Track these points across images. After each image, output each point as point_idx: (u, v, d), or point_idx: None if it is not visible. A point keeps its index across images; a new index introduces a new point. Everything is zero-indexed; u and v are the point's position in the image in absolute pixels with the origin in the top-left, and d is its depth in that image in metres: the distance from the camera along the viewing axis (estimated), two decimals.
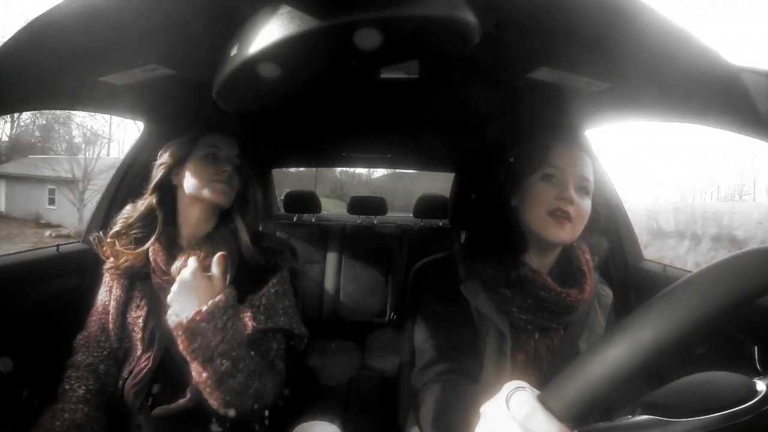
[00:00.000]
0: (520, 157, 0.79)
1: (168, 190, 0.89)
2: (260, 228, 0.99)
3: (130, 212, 0.90)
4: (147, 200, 0.89)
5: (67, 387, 0.82)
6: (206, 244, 0.85)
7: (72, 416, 0.77)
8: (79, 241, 1.29)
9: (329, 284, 2.05)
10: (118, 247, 0.87)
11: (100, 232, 0.90)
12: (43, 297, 1.04)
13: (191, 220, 0.88)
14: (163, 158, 0.89)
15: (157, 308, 0.85)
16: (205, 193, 0.85)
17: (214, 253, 0.80)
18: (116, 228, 0.89)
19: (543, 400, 0.35)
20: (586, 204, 0.74)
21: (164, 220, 0.88)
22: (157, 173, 0.88)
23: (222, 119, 0.93)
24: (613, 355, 0.33)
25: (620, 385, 0.32)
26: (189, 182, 0.87)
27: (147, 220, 0.89)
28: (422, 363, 0.75)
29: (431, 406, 0.67)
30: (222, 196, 0.86)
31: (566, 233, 0.72)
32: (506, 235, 0.76)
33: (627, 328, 0.33)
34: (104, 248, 0.88)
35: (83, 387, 0.82)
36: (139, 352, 0.84)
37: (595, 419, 0.37)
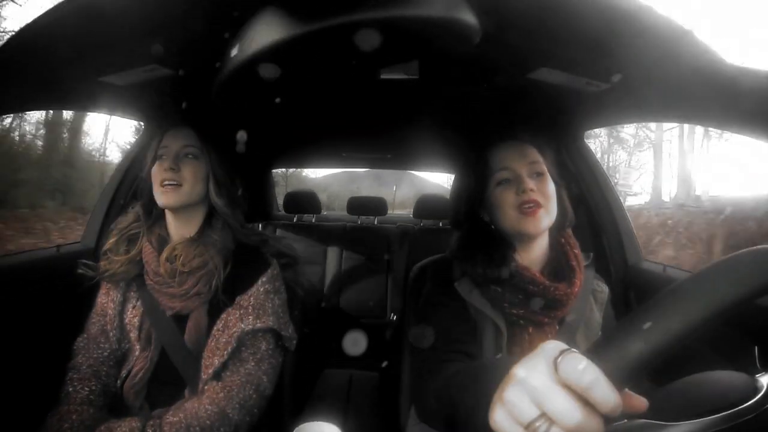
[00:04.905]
0: (474, 173, 0.81)
1: (151, 197, 0.89)
2: (260, 227, 0.99)
3: (122, 223, 0.90)
4: (137, 207, 0.90)
5: (71, 389, 0.81)
6: (193, 245, 0.84)
7: (80, 417, 0.77)
8: (79, 242, 1.29)
9: (329, 285, 2.05)
10: (111, 256, 0.87)
11: (85, 262, 0.89)
12: (43, 297, 1.03)
13: (173, 222, 0.88)
14: (145, 167, 0.88)
15: (152, 309, 0.85)
16: (159, 199, 0.84)
17: (201, 255, 0.81)
18: (112, 240, 0.89)
19: (602, 368, 0.30)
20: (547, 184, 0.76)
21: (149, 223, 0.88)
22: (140, 183, 0.88)
23: (175, 111, 0.90)
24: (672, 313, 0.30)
25: (676, 346, 0.29)
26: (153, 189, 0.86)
27: (138, 224, 0.90)
28: (423, 356, 0.75)
29: (434, 385, 0.64)
30: (164, 197, 0.83)
31: (542, 220, 0.74)
32: (488, 238, 0.78)
33: (681, 290, 0.31)
34: (100, 263, 0.88)
35: (86, 389, 0.82)
36: (137, 353, 0.84)
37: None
